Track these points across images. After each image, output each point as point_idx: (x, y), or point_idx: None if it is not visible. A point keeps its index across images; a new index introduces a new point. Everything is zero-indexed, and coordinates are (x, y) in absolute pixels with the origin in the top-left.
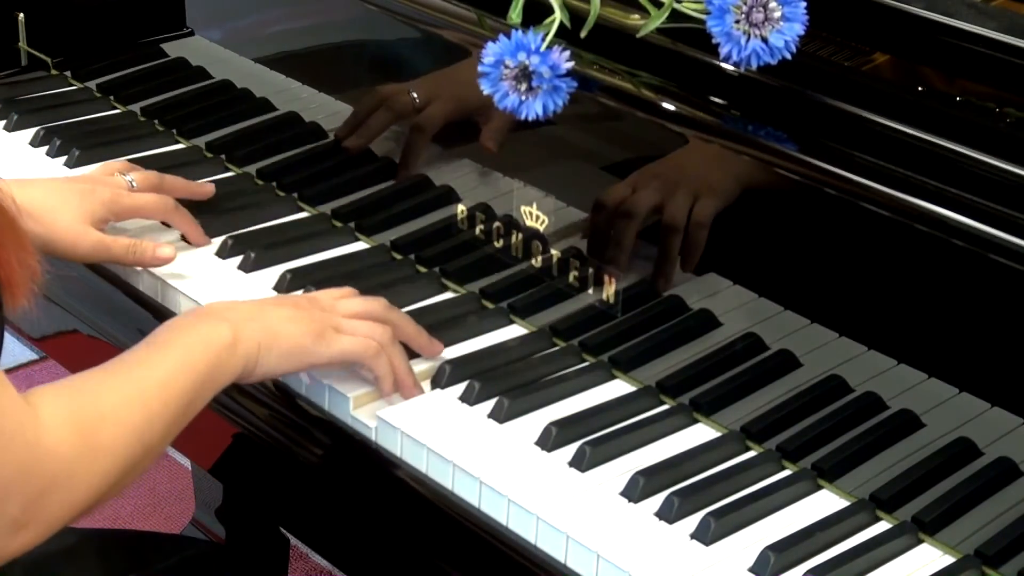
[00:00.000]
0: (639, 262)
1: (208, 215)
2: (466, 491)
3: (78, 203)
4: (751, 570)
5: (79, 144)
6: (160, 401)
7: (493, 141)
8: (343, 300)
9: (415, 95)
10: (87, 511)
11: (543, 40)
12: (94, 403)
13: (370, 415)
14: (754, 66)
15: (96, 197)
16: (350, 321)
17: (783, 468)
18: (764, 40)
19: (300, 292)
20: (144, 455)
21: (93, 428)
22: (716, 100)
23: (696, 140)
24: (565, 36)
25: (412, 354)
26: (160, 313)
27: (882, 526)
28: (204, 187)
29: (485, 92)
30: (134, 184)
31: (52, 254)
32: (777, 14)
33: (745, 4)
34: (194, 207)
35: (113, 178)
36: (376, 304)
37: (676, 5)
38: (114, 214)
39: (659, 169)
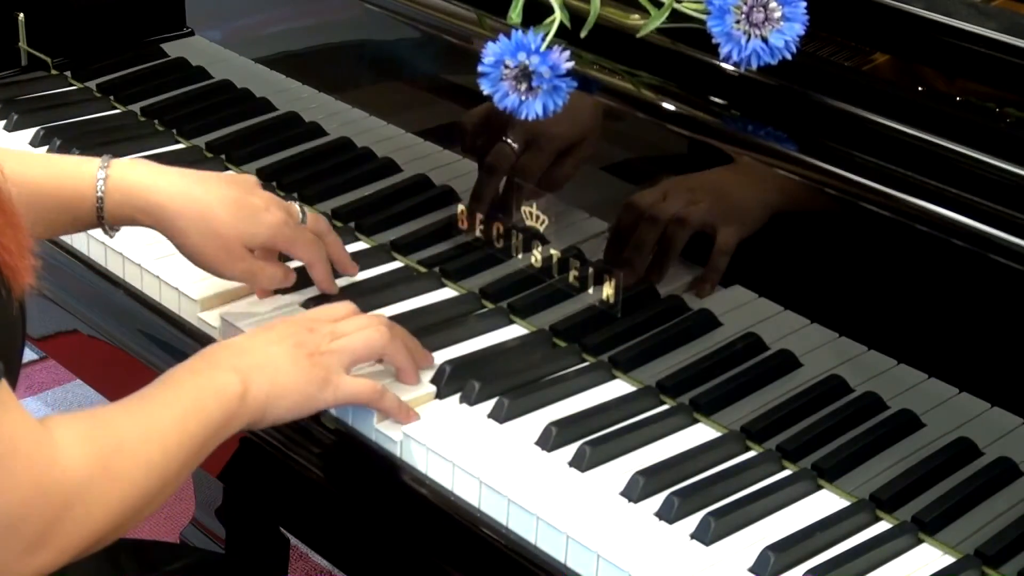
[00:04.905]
0: (640, 262)
1: None
2: (466, 491)
3: (243, 223)
4: (751, 570)
5: (79, 144)
6: (176, 440)
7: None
8: (341, 324)
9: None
10: (104, 540)
11: (543, 40)
12: (111, 431)
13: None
14: (754, 66)
15: (264, 220)
16: (349, 342)
17: (783, 468)
18: (764, 40)
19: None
20: (161, 489)
21: (109, 455)
22: (716, 100)
23: (744, 160)
24: (565, 36)
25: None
26: (158, 310)
27: (882, 526)
28: (353, 267)
29: (485, 92)
30: (305, 219)
31: (193, 260)
32: (777, 14)
33: (745, 4)
34: None
35: (290, 204)
36: (374, 320)
37: (676, 5)
38: (272, 241)
39: (695, 182)
